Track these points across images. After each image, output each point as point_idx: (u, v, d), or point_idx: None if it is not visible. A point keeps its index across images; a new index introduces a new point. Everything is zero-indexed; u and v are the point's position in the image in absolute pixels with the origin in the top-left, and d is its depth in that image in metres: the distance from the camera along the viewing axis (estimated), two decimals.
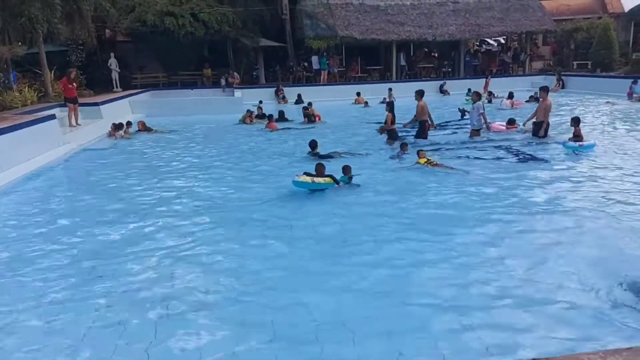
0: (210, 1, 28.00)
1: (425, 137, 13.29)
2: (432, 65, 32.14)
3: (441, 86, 27.75)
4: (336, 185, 8.82)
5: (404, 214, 7.55)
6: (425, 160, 10.26)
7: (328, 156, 11.34)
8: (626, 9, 29.86)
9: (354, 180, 9.11)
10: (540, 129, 12.93)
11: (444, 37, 29.58)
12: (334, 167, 9.42)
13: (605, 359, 1.86)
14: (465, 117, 16.77)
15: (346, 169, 9.19)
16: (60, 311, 4.79)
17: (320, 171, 8.92)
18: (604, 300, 4.72)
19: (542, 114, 12.92)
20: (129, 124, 16.53)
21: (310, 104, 19.26)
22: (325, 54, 28.87)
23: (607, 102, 21.39)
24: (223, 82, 25.94)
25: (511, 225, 6.91)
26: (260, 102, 21.85)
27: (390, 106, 12.89)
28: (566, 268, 5.45)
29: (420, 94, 13.31)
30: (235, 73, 26.61)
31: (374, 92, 25.45)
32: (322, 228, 7.03)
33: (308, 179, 8.57)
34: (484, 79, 27.41)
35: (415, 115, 13.47)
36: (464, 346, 4.09)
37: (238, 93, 24.64)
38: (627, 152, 11.20)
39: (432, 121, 13.60)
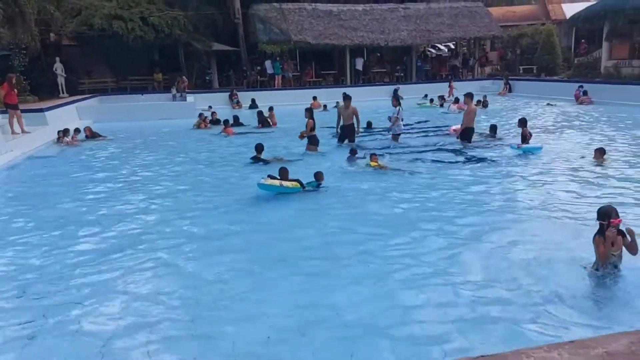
0: (160, 5, 27.41)
1: (352, 141, 13.44)
2: (385, 70, 32.59)
3: (395, 91, 28.09)
4: (302, 189, 8.79)
5: (359, 218, 7.56)
6: (376, 163, 10.45)
7: (269, 162, 11.32)
8: (567, 16, 31.18)
9: (322, 186, 9.08)
10: (469, 135, 13.13)
11: (396, 42, 30.08)
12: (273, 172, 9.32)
13: (549, 353, 1.85)
14: (409, 124, 16.94)
15: (318, 175, 9.15)
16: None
17: (284, 175, 8.88)
18: (545, 297, 4.81)
19: (468, 120, 13.08)
20: (76, 130, 15.92)
21: (271, 108, 19.09)
22: (279, 58, 28.79)
23: (548, 103, 22.39)
24: (174, 91, 25.23)
25: (457, 225, 7.03)
26: (210, 107, 21.46)
27: (310, 112, 12.80)
28: (510, 267, 5.57)
29: (347, 98, 13.52)
30: (183, 77, 26.01)
31: (329, 97, 25.44)
32: (280, 234, 6.94)
33: (276, 182, 8.56)
34: (447, 84, 28.15)
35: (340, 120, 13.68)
36: (411, 340, 4.10)
37: (190, 98, 24.21)
38: (571, 153, 11.61)
39: (358, 126, 13.70)
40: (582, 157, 10.95)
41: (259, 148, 11.54)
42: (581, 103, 21.66)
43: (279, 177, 8.77)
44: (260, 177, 8.84)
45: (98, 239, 6.84)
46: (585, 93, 22.02)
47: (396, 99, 14.04)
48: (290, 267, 5.76)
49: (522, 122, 12.60)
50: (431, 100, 23.62)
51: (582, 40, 31.65)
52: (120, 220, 7.60)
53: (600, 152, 10.46)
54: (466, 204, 8.05)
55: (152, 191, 9.53)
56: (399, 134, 13.75)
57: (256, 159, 11.43)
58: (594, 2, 27.12)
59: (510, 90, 28.08)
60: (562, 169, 10.14)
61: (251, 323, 4.51)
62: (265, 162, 11.31)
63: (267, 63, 28.73)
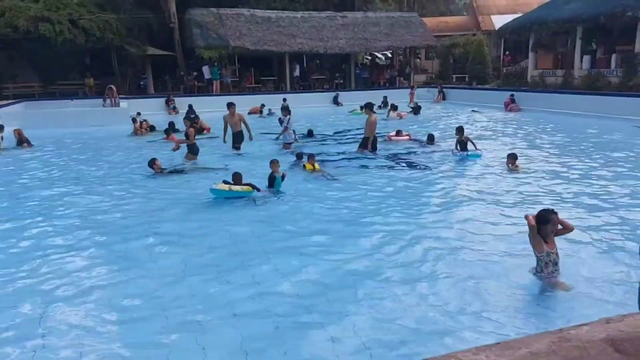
0: (91, 7, 26.36)
1: (238, 149, 13.52)
2: (324, 77, 32.86)
3: (335, 97, 28.37)
4: (256, 193, 8.74)
5: (297, 222, 7.50)
6: (312, 167, 10.61)
7: (176, 171, 11.08)
8: (496, 27, 32.68)
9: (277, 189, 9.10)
10: (367, 144, 13.02)
11: (335, 50, 30.43)
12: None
13: (477, 355, 1.83)
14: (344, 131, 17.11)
15: (273, 164, 9.19)
16: None
17: (237, 179, 8.82)
18: (474, 302, 4.88)
19: (369, 129, 13.03)
20: None
21: (197, 117, 18.70)
22: (217, 63, 28.38)
23: (473, 110, 23.48)
24: (105, 103, 24.02)
25: (392, 229, 7.09)
26: (139, 113, 20.63)
27: (190, 121, 12.73)
28: (442, 270, 5.65)
29: (230, 106, 13.48)
30: (112, 87, 24.73)
31: (268, 103, 25.38)
32: (215, 241, 6.75)
33: (225, 186, 8.55)
34: (409, 90, 28.76)
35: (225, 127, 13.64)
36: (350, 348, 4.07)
37: (124, 104, 23.33)
38: (504, 159, 12.04)
39: (249, 132, 13.70)
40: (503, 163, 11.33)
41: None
42: (510, 110, 22.69)
43: (232, 182, 8.73)
44: (213, 183, 8.83)
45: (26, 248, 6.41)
46: (513, 101, 23.10)
47: (286, 109, 14.06)
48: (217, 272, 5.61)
49: (460, 130, 12.98)
50: (361, 108, 23.94)
51: (507, 52, 33.30)
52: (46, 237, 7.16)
53: (512, 158, 10.79)
54: (399, 207, 8.16)
55: (87, 194, 9.10)
56: (291, 143, 13.76)
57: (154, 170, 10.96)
58: (520, 15, 28.58)
59: (444, 98, 29.02)
60: (493, 174, 10.49)
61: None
62: (172, 171, 11.02)
63: (205, 68, 28.24)
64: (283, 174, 9.26)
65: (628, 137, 14.45)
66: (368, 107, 13.41)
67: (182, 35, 28.90)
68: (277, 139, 14.49)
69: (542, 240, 5.05)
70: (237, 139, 13.60)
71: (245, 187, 8.71)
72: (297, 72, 30.63)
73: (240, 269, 5.77)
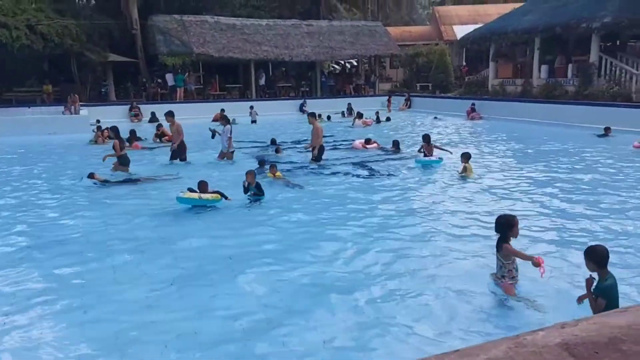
0: (49, 12, 25.65)
1: (176, 158, 13.19)
2: (290, 84, 32.86)
3: (302, 105, 28.34)
4: (225, 201, 8.67)
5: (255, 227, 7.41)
6: (273, 175, 10.65)
7: (130, 181, 10.83)
8: (458, 37, 33.38)
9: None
10: (314, 153, 12.92)
11: (300, 57, 30.50)
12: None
13: None
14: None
15: (249, 174, 9.11)
16: None
17: (203, 188, 8.70)
18: (432, 310, 4.90)
19: (314, 139, 12.87)
20: None
21: (160, 125, 18.41)
22: (180, 70, 28.01)
23: (435, 117, 24.11)
24: (66, 111, 23.29)
25: (348, 238, 7.08)
26: (98, 121, 20.13)
27: (115, 132, 12.20)
28: (404, 277, 5.68)
29: (170, 115, 13.37)
30: (75, 95, 23.96)
31: (234, 111, 25.14)
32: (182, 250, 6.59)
33: (194, 195, 8.45)
34: (386, 98, 29.25)
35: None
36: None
37: (84, 111, 22.73)
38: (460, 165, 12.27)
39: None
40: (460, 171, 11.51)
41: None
42: (472, 119, 23.17)
43: (198, 190, 8.62)
44: (179, 191, 8.70)
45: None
46: (474, 109, 23.61)
47: (224, 118, 13.77)
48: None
49: (426, 138, 13.13)
50: (328, 117, 24.11)
51: (464, 64, 34.07)
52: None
53: (465, 157, 10.98)
54: (362, 213, 8.19)
55: (48, 204, 8.74)
56: (232, 152, 13.49)
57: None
58: (481, 25, 29.28)
59: (409, 106, 29.43)
60: (453, 180, 10.65)
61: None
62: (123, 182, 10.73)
63: (169, 75, 27.83)
64: (257, 183, 9.16)
65: (582, 145, 14.91)
66: (312, 116, 13.19)
67: (144, 42, 28.46)
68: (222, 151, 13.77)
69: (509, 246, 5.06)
70: (179, 149, 13.23)
71: (213, 195, 8.63)
72: (262, 80, 30.54)
73: (204, 284, 5.63)
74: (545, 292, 5.06)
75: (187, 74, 28.44)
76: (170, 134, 17.42)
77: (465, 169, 10.86)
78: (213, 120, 23.68)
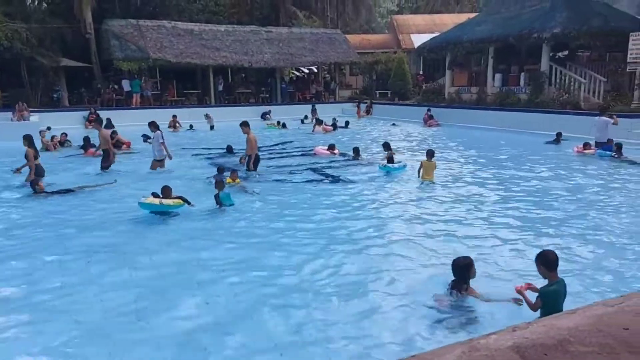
0: None
1: (106, 168, 12.68)
2: (250, 90, 32.67)
3: (264, 114, 27.96)
4: (187, 206, 8.56)
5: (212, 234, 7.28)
6: (232, 180, 10.61)
7: (66, 190, 10.38)
8: (416, 46, 33.99)
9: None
10: (250, 163, 12.33)
11: (260, 64, 30.40)
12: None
13: None
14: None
15: (218, 184, 8.99)
16: None
17: (167, 193, 8.54)
18: (388, 317, 4.92)
19: (249, 147, 12.33)
20: None
21: (115, 132, 17.91)
22: (137, 76, 27.41)
23: (393, 124, 24.62)
24: (13, 118, 22.31)
25: (311, 243, 7.09)
26: (49, 128, 19.36)
27: (28, 140, 11.42)
28: (358, 286, 5.68)
29: (100, 123, 13.08)
30: (23, 104, 22.94)
31: (191, 117, 24.84)
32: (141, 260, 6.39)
33: (156, 200, 8.28)
34: (356, 105, 29.39)
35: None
36: None
37: (34, 117, 21.90)
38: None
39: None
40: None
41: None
42: (429, 126, 23.59)
43: (161, 195, 8.49)
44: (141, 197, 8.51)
45: None
46: (431, 117, 24.04)
47: (153, 124, 13.04)
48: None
49: (386, 145, 13.22)
50: (278, 123, 24.09)
51: (421, 72, 34.75)
52: None
53: (429, 154, 11.15)
54: (322, 221, 8.18)
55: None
56: (162, 160, 12.85)
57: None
58: (438, 35, 29.93)
59: (370, 113, 29.70)
60: (413, 187, 10.78)
61: None
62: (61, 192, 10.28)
63: (125, 81, 27.18)
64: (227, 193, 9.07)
65: (531, 150, 15.38)
66: (245, 125, 12.53)
67: (99, 47, 27.73)
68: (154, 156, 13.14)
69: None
70: (103, 157, 12.74)
71: (175, 201, 8.50)
72: (220, 86, 30.25)
73: (162, 294, 5.48)
74: (498, 296, 5.12)
75: (143, 79, 27.85)
76: (127, 141, 17.11)
77: (422, 166, 11.06)
78: (168, 127, 23.30)
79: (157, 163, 12.87)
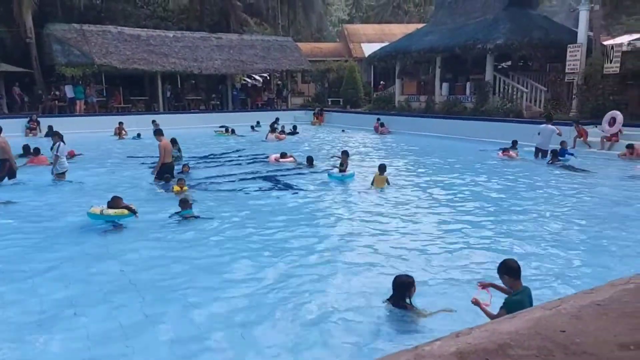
0: None
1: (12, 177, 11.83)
2: (200, 97, 32.18)
3: (226, 127, 27.46)
4: (134, 217, 8.36)
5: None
6: (179, 189, 10.47)
7: None
8: (366, 54, 34.48)
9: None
10: (160, 172, 11.73)
11: (210, 70, 30.01)
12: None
13: None
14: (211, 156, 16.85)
15: (183, 203, 8.73)
16: None
17: (116, 203, 8.31)
18: (336, 326, 4.90)
19: (161, 156, 11.69)
20: None
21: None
22: (81, 82, 26.46)
23: (342, 130, 25.06)
24: None
25: (258, 252, 7.04)
26: None
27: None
28: (307, 295, 5.65)
29: None
30: None
31: (138, 124, 24.16)
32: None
33: (97, 210, 8.10)
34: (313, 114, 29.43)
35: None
36: None
37: None
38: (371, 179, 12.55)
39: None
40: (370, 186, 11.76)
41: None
42: (381, 133, 23.94)
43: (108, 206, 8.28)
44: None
45: None
46: (382, 125, 24.41)
47: (56, 134, 12.31)
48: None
49: (345, 153, 13.26)
50: (226, 130, 23.86)
51: (382, 82, 35.31)
52: None
53: (381, 169, 11.40)
54: (273, 230, 8.10)
55: None
56: (63, 173, 12.04)
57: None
58: (387, 44, 30.48)
59: (322, 120, 29.85)
60: (363, 194, 10.86)
61: None
62: None
63: (68, 87, 26.17)
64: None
65: (475, 158, 15.86)
66: (158, 133, 12.00)
67: (40, 52, 26.60)
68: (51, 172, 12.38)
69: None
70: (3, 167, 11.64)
71: (119, 211, 8.25)
72: (168, 93, 29.64)
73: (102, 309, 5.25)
74: (444, 303, 5.19)
75: (87, 85, 26.92)
76: (71, 150, 16.41)
77: (374, 179, 11.22)
78: (114, 134, 22.62)
79: (60, 176, 11.95)
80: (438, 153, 17.19)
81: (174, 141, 13.78)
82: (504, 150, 15.40)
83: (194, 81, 33.21)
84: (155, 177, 11.77)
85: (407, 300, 4.94)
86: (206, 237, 7.80)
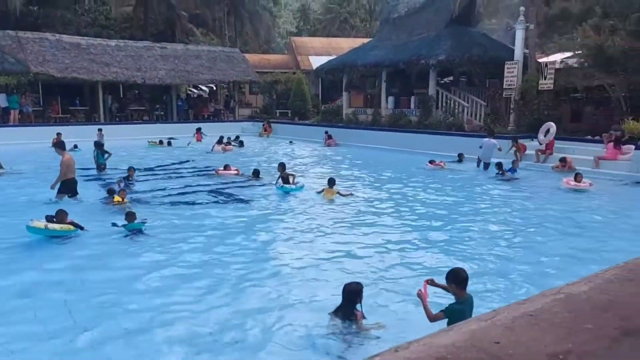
0: None
1: None
2: (144, 108, 31.38)
3: (169, 141, 26.80)
4: (79, 231, 8.16)
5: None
6: (120, 199, 10.27)
7: None
8: (314, 67, 34.76)
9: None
10: (65, 188, 10.85)
11: (154, 80, 29.37)
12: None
13: None
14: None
15: (129, 216, 8.44)
16: None
17: (61, 217, 8.00)
18: (279, 343, 4.83)
19: (62, 171, 10.73)
20: None
21: None
22: (15, 91, 25.21)
23: (290, 142, 25.31)
24: None
25: (203, 265, 6.90)
26: None
27: None
28: (255, 310, 5.57)
29: None
30: None
31: (78, 135, 23.19)
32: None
33: (41, 224, 7.76)
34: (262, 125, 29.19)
35: None
36: None
37: None
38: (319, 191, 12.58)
39: None
40: (319, 192, 11.86)
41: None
42: (328, 145, 24.11)
43: (55, 219, 7.97)
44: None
45: None
46: (330, 137, 24.59)
47: None
48: None
49: (281, 166, 13.21)
50: (160, 142, 23.43)
51: (338, 97, 35.60)
52: None
53: (330, 182, 11.55)
54: (217, 244, 7.96)
55: None
56: None
57: None
58: (334, 57, 30.86)
59: (270, 132, 29.72)
60: (311, 207, 10.85)
61: None
62: None
63: (1, 96, 24.86)
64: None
65: (417, 170, 16.19)
66: (59, 146, 11.37)
67: None
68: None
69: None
70: None
71: (65, 226, 7.98)
72: (109, 103, 28.73)
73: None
74: (384, 318, 5.18)
75: (23, 94, 25.69)
76: None
77: (324, 192, 11.33)
78: (52, 145, 21.61)
79: None
80: (384, 165, 17.47)
81: (98, 144, 13.82)
82: (432, 161, 16.23)
83: (137, 91, 32.39)
84: (57, 194, 10.82)
85: (358, 307, 4.94)
86: (150, 251, 7.54)
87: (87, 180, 13.28)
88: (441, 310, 4.48)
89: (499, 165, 14.69)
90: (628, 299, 1.52)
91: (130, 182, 12.90)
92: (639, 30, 16.92)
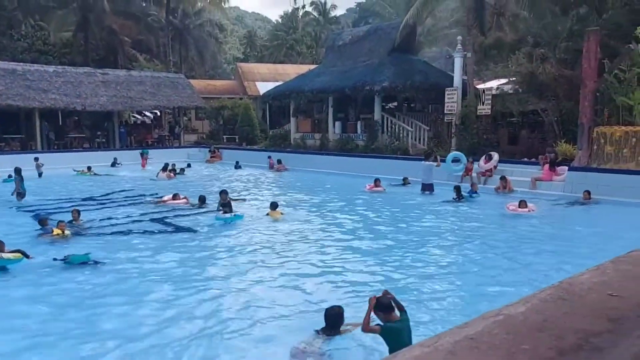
0: None
1: None
2: (84, 135, 30.34)
3: (114, 161, 25.98)
4: (26, 260, 7.92)
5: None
6: (60, 232, 9.83)
7: None
8: (261, 92, 34.84)
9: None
10: None
11: (95, 107, 28.53)
12: None
13: None
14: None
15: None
16: None
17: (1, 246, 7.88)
18: None
19: None
20: None
21: None
22: None
23: (237, 163, 25.43)
24: None
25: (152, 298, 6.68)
26: None
27: None
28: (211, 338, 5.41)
29: None
30: None
31: (13, 163, 22.05)
32: None
33: None
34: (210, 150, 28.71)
35: None
36: None
37: None
38: (265, 216, 12.49)
39: None
40: (267, 215, 11.91)
41: None
42: (277, 170, 24.07)
43: None
44: None
45: None
46: (280, 162, 24.57)
47: None
48: None
49: (222, 193, 13.03)
50: (88, 169, 22.76)
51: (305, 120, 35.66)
52: None
53: (272, 206, 11.70)
54: (160, 275, 7.73)
55: None
56: None
57: None
58: (281, 83, 31.10)
59: (219, 158, 29.36)
60: (255, 232, 10.75)
61: None
62: None
63: None
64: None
65: (361, 193, 16.43)
66: None
67: None
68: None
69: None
70: None
71: (13, 255, 7.77)
72: (45, 131, 27.58)
73: None
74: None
75: None
76: None
77: (269, 214, 11.43)
78: None
79: None
80: (330, 188, 17.62)
81: (18, 171, 13.71)
82: (370, 184, 16.57)
83: (77, 118, 31.35)
84: None
85: (341, 328, 5.05)
86: (94, 284, 7.26)
87: (21, 212, 12.62)
88: (378, 324, 4.56)
89: (457, 189, 14.41)
90: (562, 318, 1.57)
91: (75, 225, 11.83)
92: (567, 58, 18.07)
